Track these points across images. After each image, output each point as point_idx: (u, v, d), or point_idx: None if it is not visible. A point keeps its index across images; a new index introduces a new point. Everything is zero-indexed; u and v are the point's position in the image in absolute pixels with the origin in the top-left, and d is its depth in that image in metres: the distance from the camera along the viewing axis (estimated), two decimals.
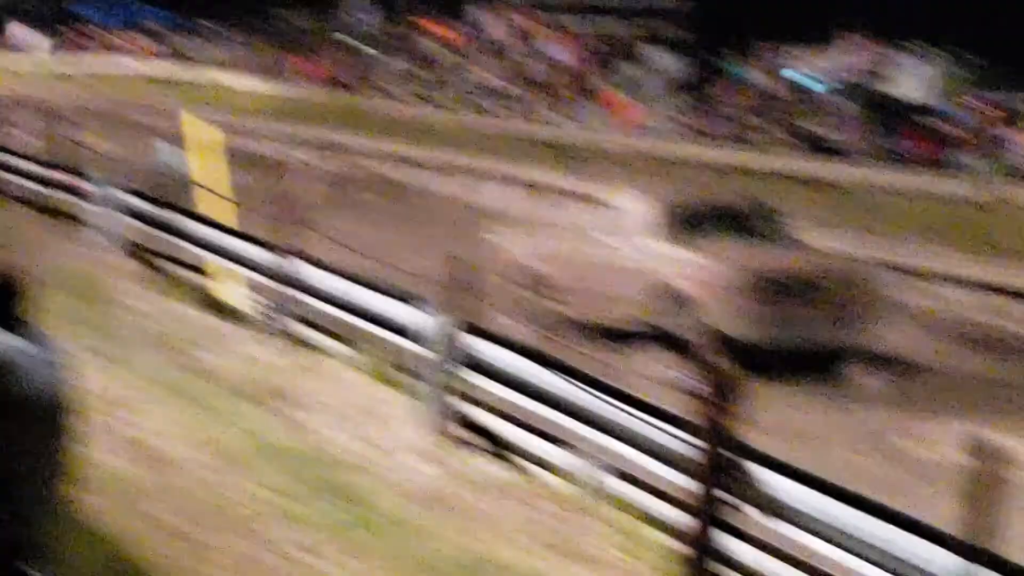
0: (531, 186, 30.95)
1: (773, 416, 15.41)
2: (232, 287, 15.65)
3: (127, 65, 51.84)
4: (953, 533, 6.97)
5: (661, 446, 8.92)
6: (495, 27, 44.06)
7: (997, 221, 25.22)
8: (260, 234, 14.81)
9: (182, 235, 16.20)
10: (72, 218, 19.09)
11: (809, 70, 38.10)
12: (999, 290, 22.48)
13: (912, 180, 28.59)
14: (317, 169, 27.86)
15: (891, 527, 7.50)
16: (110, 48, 55.45)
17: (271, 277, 13.96)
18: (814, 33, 38.63)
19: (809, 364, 17.62)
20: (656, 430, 8.96)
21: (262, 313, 14.38)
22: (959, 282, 23.01)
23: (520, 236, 20.68)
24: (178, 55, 53.44)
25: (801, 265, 18.09)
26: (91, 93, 46.36)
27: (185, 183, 17.19)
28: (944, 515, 7.59)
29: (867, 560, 7.61)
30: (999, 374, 19.18)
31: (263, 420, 10.92)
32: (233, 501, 8.72)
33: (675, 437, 8.69)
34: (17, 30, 58.45)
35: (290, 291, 13.66)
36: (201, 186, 17.34)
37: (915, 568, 7.32)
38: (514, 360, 10.54)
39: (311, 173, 18.12)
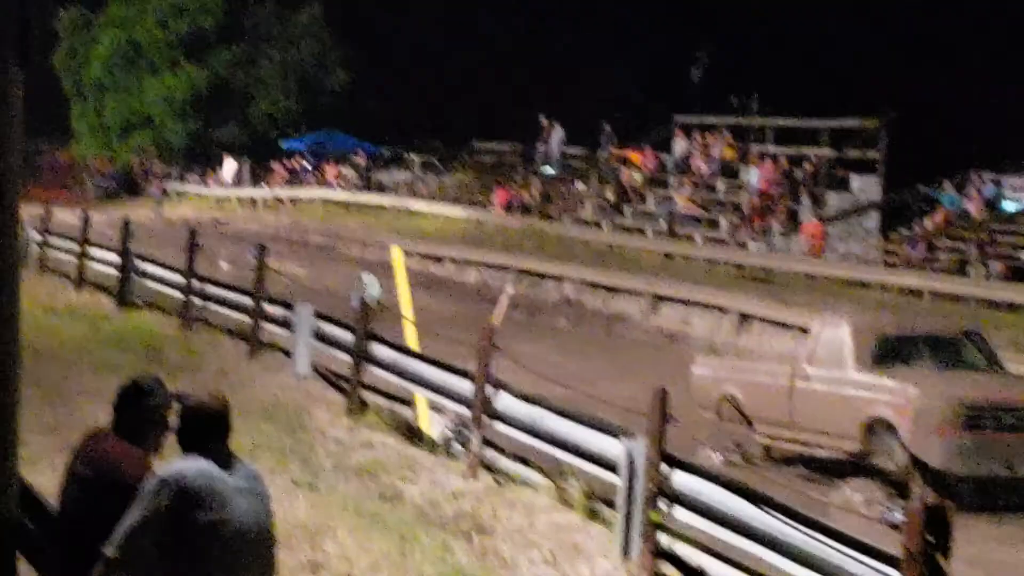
0: (732, 314, 30.68)
1: (980, 549, 14.98)
2: (430, 416, 15.72)
3: (330, 196, 52.89)
4: None
5: None
6: (695, 155, 44.12)
7: None
8: (458, 363, 14.87)
9: (381, 364, 16.34)
10: (275, 348, 19.40)
11: (1020, 195, 37.41)
12: None
13: None
14: (514, 296, 28.02)
15: None
16: (316, 180, 56.67)
17: (468, 406, 13.99)
18: (1020, 159, 38.05)
19: (1020, 497, 17.08)
20: (862, 565, 8.72)
21: (459, 442, 14.40)
22: None
23: (722, 365, 20.49)
24: (380, 185, 54.41)
25: (1011, 394, 17.59)
26: (296, 224, 47.39)
27: (385, 312, 17.39)
28: None
29: None
30: None
31: (459, 550, 10.88)
32: None
33: (883, 574, 8.45)
34: (230, 164, 60.15)
35: (487, 419, 13.66)
36: (401, 315, 17.51)
37: None
38: (714, 492, 10.37)
39: (508, 300, 18.28)
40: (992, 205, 36.37)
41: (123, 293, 24.25)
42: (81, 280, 26.56)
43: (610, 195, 44.77)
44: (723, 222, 40.31)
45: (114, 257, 25.47)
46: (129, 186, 65.01)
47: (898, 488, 16.55)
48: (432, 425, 15.55)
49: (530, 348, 23.83)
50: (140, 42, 64.83)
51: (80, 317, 22.49)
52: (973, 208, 35.99)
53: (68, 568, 6.11)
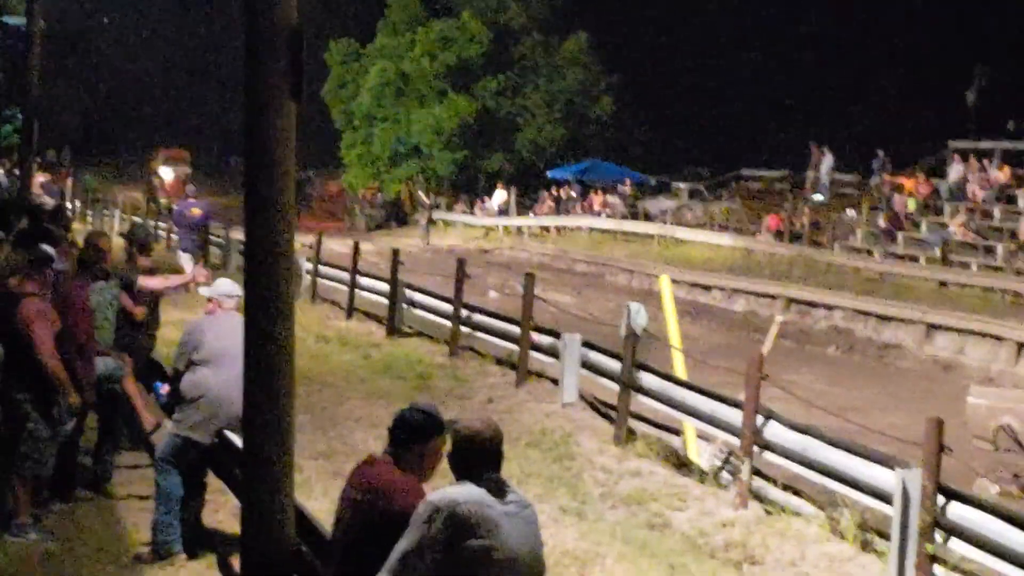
0: (1009, 343, 29.90)
1: None
2: (699, 445, 15.67)
3: (595, 224, 53.13)
4: None
5: None
6: (970, 181, 43.19)
7: None
8: (725, 391, 14.80)
9: (648, 393, 16.35)
10: (542, 376, 19.55)
11: None
12: None
13: None
14: (784, 325, 27.74)
15: None
16: (583, 210, 57.01)
17: (737, 435, 13.90)
18: None
19: None
20: None
21: (728, 471, 14.32)
22: None
23: (999, 395, 19.99)
24: (645, 214, 54.46)
25: None
26: (562, 253, 47.69)
27: (653, 341, 17.38)
28: None
29: None
30: None
31: None
32: None
33: None
34: (499, 194, 60.87)
35: (756, 449, 13.55)
36: (669, 344, 17.49)
37: None
38: (991, 523, 10.12)
39: (777, 329, 18.10)
40: None
41: (392, 322, 24.70)
42: (351, 309, 27.15)
43: (882, 222, 44.05)
44: (1000, 249, 39.32)
45: (383, 286, 25.97)
46: (398, 216, 66.27)
47: None
48: (700, 454, 15.49)
49: (799, 377, 23.57)
50: (408, 73, 66.03)
51: (350, 345, 22.98)
52: None
53: None
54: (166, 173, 71.87)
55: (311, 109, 59.38)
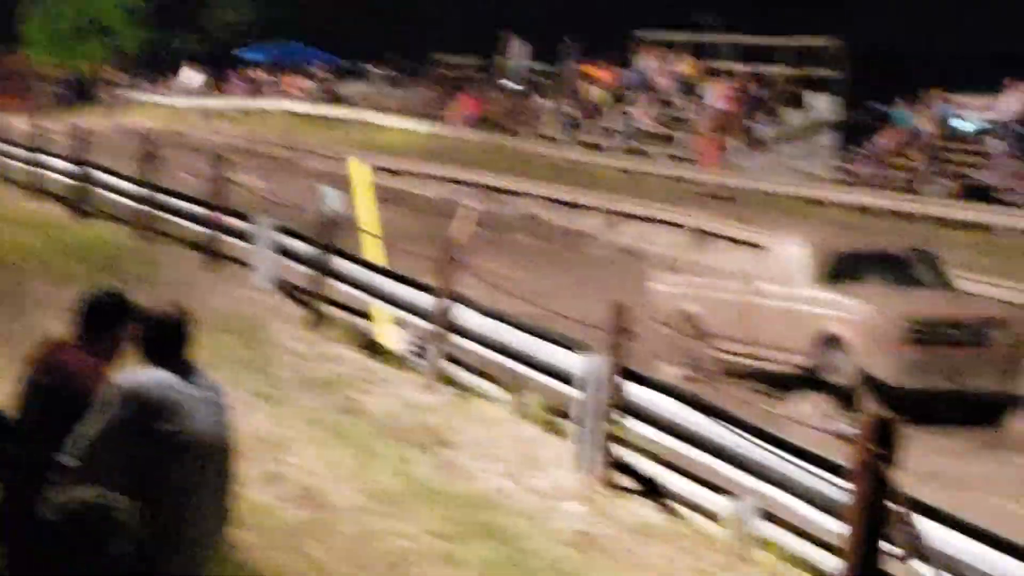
0: (689, 231, 30.86)
1: (929, 463, 15.24)
2: (390, 329, 15.83)
3: (289, 107, 52.67)
4: None
5: (818, 492, 8.87)
6: (654, 72, 44.12)
7: None
8: (418, 277, 14.97)
9: (341, 277, 16.42)
10: (234, 260, 19.43)
11: (972, 116, 37.65)
12: None
13: None
14: (474, 211, 28.03)
15: None
16: (274, 91, 56.39)
17: (428, 320, 14.11)
18: (978, 79, 38.17)
19: (966, 411, 17.39)
20: (813, 476, 8.91)
21: (419, 355, 14.53)
22: None
23: (679, 281, 20.66)
24: (339, 98, 54.17)
25: (959, 311, 17.89)
26: (254, 135, 47.17)
27: (345, 225, 17.44)
28: None
29: None
30: None
31: (419, 462, 11.03)
32: (391, 543, 8.82)
33: (832, 484, 8.64)
34: (188, 73, 59.73)
35: (447, 333, 13.78)
36: (361, 228, 17.57)
37: None
38: (671, 405, 10.54)
39: (468, 215, 18.31)
40: (944, 124, 36.60)
41: (79, 203, 24.14)
42: (35, 189, 26.42)
43: (571, 111, 44.77)
44: (683, 139, 40.40)
45: (69, 166, 25.34)
46: (85, 94, 64.46)
47: (848, 402, 16.83)
48: (392, 339, 15.66)
49: (490, 263, 23.93)
50: None
51: (32, 227, 22.38)
52: (926, 127, 36.19)
53: (27, 478, 6.16)
54: None
55: None
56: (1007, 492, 14.68)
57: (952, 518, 8.06)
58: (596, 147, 42.31)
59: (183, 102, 57.35)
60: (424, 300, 14.29)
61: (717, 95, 40.58)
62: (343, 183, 19.92)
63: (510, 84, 49.33)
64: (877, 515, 7.96)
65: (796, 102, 39.69)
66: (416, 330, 14.84)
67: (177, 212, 21.47)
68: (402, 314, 15.08)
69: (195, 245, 20.57)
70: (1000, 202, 31.51)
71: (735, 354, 18.91)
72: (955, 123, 37.36)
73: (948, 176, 34.05)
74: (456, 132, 45.79)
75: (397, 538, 8.92)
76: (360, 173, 18.74)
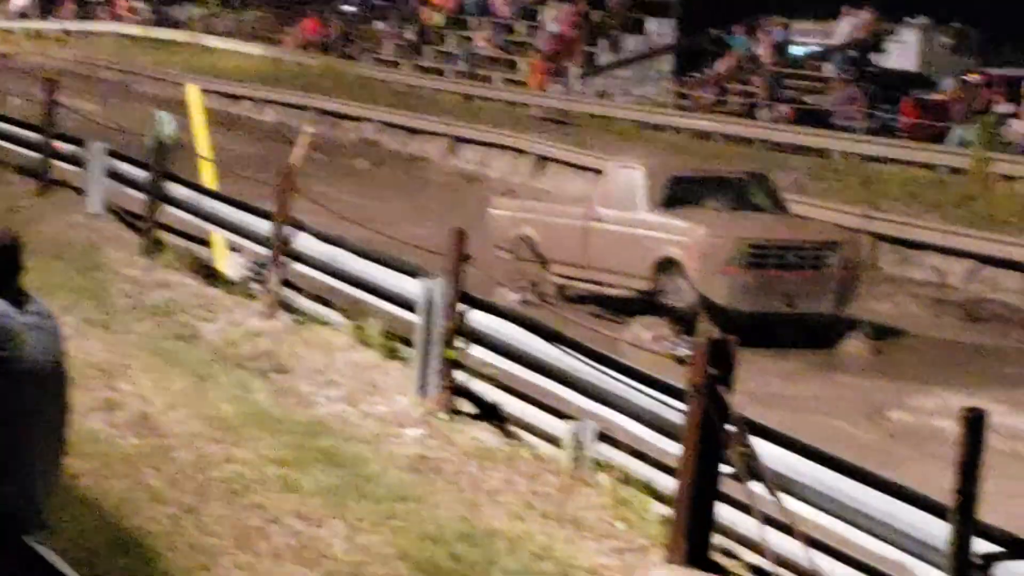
0: (529, 156, 30.95)
1: (764, 384, 15.53)
2: (227, 255, 15.69)
3: (121, 30, 51.74)
4: (943, 501, 7.02)
5: (656, 415, 8.98)
6: None
7: (987, 192, 25.28)
8: (255, 202, 14.85)
9: (176, 203, 16.22)
10: (66, 186, 19.09)
11: (808, 41, 38.15)
12: (989, 260, 22.55)
13: (906, 151, 28.62)
14: (313, 137, 27.83)
15: (882, 495, 7.56)
16: (108, 15, 55.33)
17: (266, 245, 13.99)
18: (819, 6, 38.66)
19: (800, 333, 17.73)
20: (650, 399, 9.02)
21: (257, 282, 14.42)
22: (950, 252, 23.08)
23: (518, 206, 20.73)
24: (175, 22, 53.31)
25: (794, 234, 18.19)
26: (85, 58, 46.28)
27: (180, 150, 17.20)
28: (934, 483, 7.67)
29: (859, 528, 7.68)
30: (988, 343, 19.29)
31: (258, 389, 10.97)
32: (229, 470, 8.78)
33: (669, 406, 8.76)
34: None
35: (285, 259, 13.69)
36: (197, 153, 17.36)
37: (908, 536, 7.38)
38: (509, 329, 10.59)
39: (306, 139, 18.18)
40: (781, 50, 37.02)
41: None
42: None
43: (410, 35, 44.54)
44: (522, 64, 40.39)
45: None
46: None
47: (685, 325, 17.06)
48: (230, 265, 15.52)
49: (329, 189, 23.80)
50: None
51: None
52: (763, 52, 36.59)
53: None
54: None
55: None
56: (838, 412, 15.02)
57: (785, 438, 8.21)
58: (437, 72, 42.17)
59: (9, 24, 55.99)
60: (262, 226, 14.17)
61: (556, 20, 40.60)
62: (178, 108, 19.65)
63: (349, 8, 48.89)
64: (712, 436, 8.08)
65: (636, 27, 39.83)
66: (254, 256, 14.72)
67: (7, 136, 21.00)
68: (239, 240, 14.94)
69: (25, 170, 20.14)
70: (834, 127, 32.01)
71: (574, 279, 19.07)
72: (793, 49, 37.85)
73: (785, 101, 34.48)
74: (294, 56, 45.35)
75: (236, 465, 8.87)
76: (196, 97, 18.47)
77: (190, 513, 7.99)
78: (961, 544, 6.72)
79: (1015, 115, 29.76)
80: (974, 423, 6.78)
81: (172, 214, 16.29)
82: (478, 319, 10.90)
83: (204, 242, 16.21)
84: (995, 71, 33.93)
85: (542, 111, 35.91)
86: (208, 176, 17.17)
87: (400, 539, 7.80)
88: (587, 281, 18.93)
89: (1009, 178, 26.16)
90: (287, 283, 13.73)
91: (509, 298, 17.14)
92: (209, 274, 15.33)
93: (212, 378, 11.03)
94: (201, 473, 8.68)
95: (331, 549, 7.63)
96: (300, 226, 13.71)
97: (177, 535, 7.64)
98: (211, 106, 19.99)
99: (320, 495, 8.38)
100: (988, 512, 7.15)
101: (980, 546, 6.79)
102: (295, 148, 16.65)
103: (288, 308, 13.55)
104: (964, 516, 6.75)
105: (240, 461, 8.95)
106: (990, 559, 6.88)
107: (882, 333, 18.49)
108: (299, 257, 13.61)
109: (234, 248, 15.41)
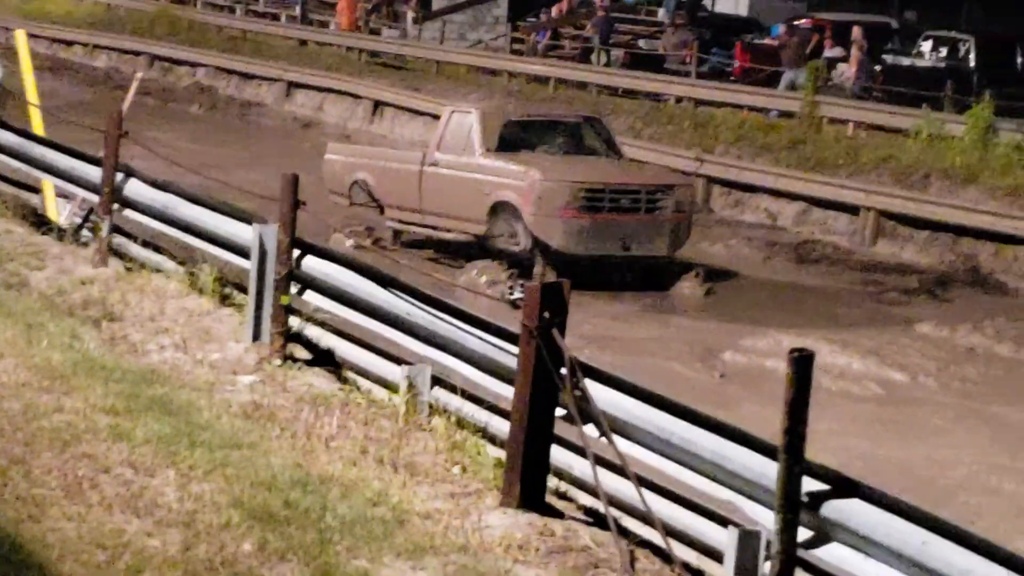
0: (365, 101, 30.82)
1: (598, 327, 15.69)
2: (57, 203, 15.43)
3: None
4: (772, 441, 7.13)
5: (490, 359, 9.02)
6: None
7: (817, 136, 25.70)
8: (86, 148, 14.61)
9: (5, 150, 15.90)
10: None
11: None
12: (819, 202, 22.96)
13: (738, 95, 28.96)
14: (145, 82, 27.46)
15: (713, 436, 7.68)
16: None
17: (96, 192, 13.78)
18: None
19: (634, 276, 17.92)
20: (484, 343, 9.06)
21: (88, 229, 14.20)
22: (781, 195, 23.45)
23: (354, 151, 20.67)
24: None
25: (627, 178, 18.35)
26: None
27: (10, 97, 16.86)
28: (766, 423, 7.81)
29: (694, 470, 7.79)
30: (818, 284, 19.66)
31: (88, 337, 10.81)
32: (58, 419, 8.66)
33: (504, 350, 8.80)
34: None
35: (115, 206, 13.49)
36: (25, 100, 17.02)
37: (738, 476, 7.50)
38: (343, 275, 10.56)
39: (138, 85, 17.89)
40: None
41: None
42: None
43: None
44: (357, 8, 40.12)
45: None
46: None
47: (521, 269, 17.15)
48: (59, 212, 15.26)
49: (162, 135, 23.52)
50: None
51: None
52: None
53: None
54: None
55: None
56: (672, 354, 15.23)
57: (618, 380, 8.29)
58: (271, 17, 41.78)
59: None
60: (91, 172, 13.94)
61: None
62: (5, 53, 19.25)
63: None
64: (546, 379, 8.13)
65: None
66: (84, 203, 14.49)
67: None
68: (69, 187, 14.70)
69: None
70: (667, 71, 32.28)
71: (410, 224, 19.07)
72: None
73: (619, 46, 34.68)
74: (125, 1, 44.60)
75: (65, 414, 8.75)
76: (24, 42, 18.09)
77: (18, 464, 7.87)
78: (789, 483, 6.82)
79: (843, 59, 30.22)
80: (802, 363, 6.86)
81: (0, 161, 15.97)
82: (312, 265, 10.85)
83: (33, 189, 15.92)
84: (824, 16, 34.45)
85: (379, 56, 35.74)
86: (37, 122, 16.85)
87: (233, 486, 7.76)
88: (423, 226, 18.93)
89: (838, 121, 26.62)
90: (118, 230, 13.54)
91: (345, 244, 17.11)
92: (38, 222, 15.06)
93: (41, 327, 10.85)
94: (30, 423, 8.55)
95: (163, 498, 7.57)
96: (131, 172, 13.52)
97: (4, 486, 7.52)
98: (41, 51, 19.61)
99: (152, 444, 8.30)
100: (818, 451, 7.29)
101: (809, 485, 6.91)
102: (126, 94, 16.41)
103: (120, 255, 13.36)
104: (792, 456, 6.85)
105: (70, 410, 8.82)
106: (818, 498, 7.01)
107: (715, 275, 18.75)
108: (130, 204, 13.41)
109: (64, 195, 15.16)
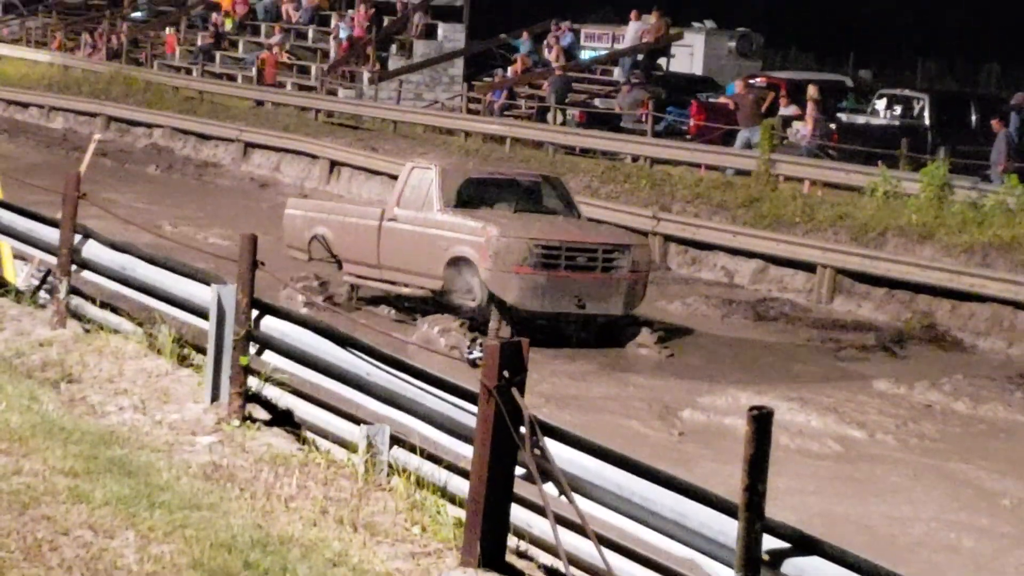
0: (322, 160, 30.88)
1: (556, 385, 15.71)
2: (15, 264, 15.38)
3: None
4: (732, 499, 7.15)
5: (450, 419, 9.02)
6: (285, 2, 43.89)
7: (773, 193, 25.84)
8: (43, 210, 14.58)
9: None
10: None
11: (598, 45, 38.64)
12: (775, 260, 23.07)
13: (694, 154, 29.11)
14: (102, 143, 27.43)
15: (672, 494, 7.68)
16: None
17: (54, 253, 13.75)
18: (604, 9, 39.16)
19: (590, 334, 17.96)
20: (443, 402, 9.06)
21: (45, 291, 14.16)
22: (738, 253, 23.56)
23: (313, 206, 20.70)
24: None
25: (584, 236, 18.43)
26: None
27: None
28: (725, 481, 7.83)
29: (651, 527, 7.80)
30: (775, 341, 19.74)
31: (46, 399, 10.77)
32: (19, 482, 8.61)
33: (463, 409, 8.80)
34: None
35: (73, 267, 13.46)
36: None
37: (698, 535, 7.51)
38: (302, 335, 10.55)
39: (95, 147, 17.89)
40: (570, 54, 37.42)
41: None
42: None
43: (200, 41, 44.14)
44: (313, 69, 40.27)
45: None
46: None
47: (478, 326, 17.19)
48: (17, 275, 15.21)
49: (120, 196, 23.51)
50: None
51: None
52: (553, 56, 36.94)
53: None
54: None
55: None
56: (630, 412, 15.25)
57: (577, 439, 8.30)
58: (227, 77, 41.86)
59: None
60: (49, 233, 13.91)
61: (347, 24, 40.58)
62: None
63: (138, 14, 48.35)
64: (505, 438, 8.14)
65: (429, 33, 40.00)
66: (41, 264, 14.46)
67: None
68: (27, 249, 14.66)
69: None
70: (623, 130, 32.45)
71: (368, 279, 19.12)
72: (582, 54, 38.33)
73: (574, 105, 34.87)
74: (81, 63, 44.64)
75: (24, 476, 8.70)
76: None
77: None
78: (750, 541, 6.84)
79: (798, 117, 30.45)
80: (761, 421, 6.90)
81: None
82: (270, 324, 10.84)
83: None
84: (779, 74, 34.72)
85: (336, 116, 35.83)
86: None
87: (193, 548, 7.73)
88: (381, 280, 18.99)
89: (794, 179, 26.78)
90: (76, 291, 13.51)
91: (296, 299, 17.12)
92: None
93: (0, 389, 10.81)
94: None
95: (123, 560, 7.54)
96: (89, 233, 13.49)
97: None
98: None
99: (111, 505, 8.26)
100: (777, 509, 7.31)
101: (769, 543, 6.93)
102: (83, 155, 16.40)
103: (78, 317, 13.32)
104: (753, 513, 6.87)
105: (29, 472, 8.78)
106: (779, 556, 7.02)
107: (673, 333, 18.81)
108: (88, 265, 13.38)
109: (21, 257, 15.11)
